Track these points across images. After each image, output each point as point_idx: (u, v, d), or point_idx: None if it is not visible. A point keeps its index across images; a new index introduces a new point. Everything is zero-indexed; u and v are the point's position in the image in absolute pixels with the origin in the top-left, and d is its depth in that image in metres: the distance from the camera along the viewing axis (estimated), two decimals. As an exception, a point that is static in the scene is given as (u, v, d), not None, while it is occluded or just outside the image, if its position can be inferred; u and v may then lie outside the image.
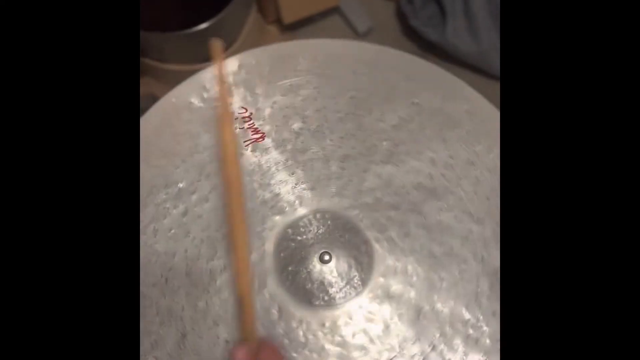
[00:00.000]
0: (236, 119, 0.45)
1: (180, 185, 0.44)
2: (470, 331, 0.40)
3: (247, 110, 0.46)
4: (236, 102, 0.46)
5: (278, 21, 0.95)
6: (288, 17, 0.92)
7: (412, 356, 0.40)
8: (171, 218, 0.43)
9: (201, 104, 0.46)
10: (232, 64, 0.47)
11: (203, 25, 0.67)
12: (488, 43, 0.82)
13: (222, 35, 0.45)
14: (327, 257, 0.42)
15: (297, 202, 0.44)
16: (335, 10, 1.01)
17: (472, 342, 0.40)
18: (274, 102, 0.46)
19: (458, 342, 0.40)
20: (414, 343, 0.40)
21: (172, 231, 0.43)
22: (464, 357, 0.40)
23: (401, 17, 0.99)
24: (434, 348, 0.40)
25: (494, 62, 0.81)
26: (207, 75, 0.47)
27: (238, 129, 0.45)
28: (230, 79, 0.46)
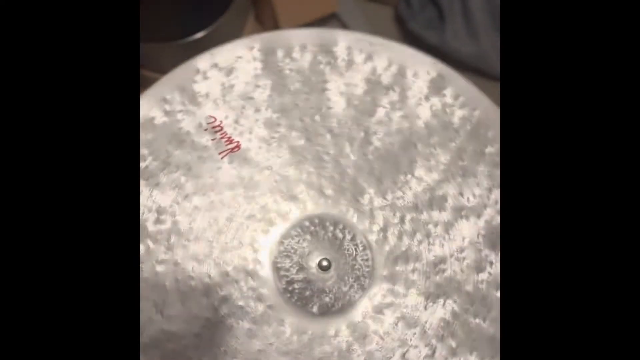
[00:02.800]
0: (205, 130, 0.42)
1: (159, 209, 0.41)
2: (487, 275, 0.41)
3: (216, 119, 0.42)
4: (204, 111, 0.42)
5: (275, 29, 0.91)
6: (285, 25, 0.89)
7: (439, 318, 0.40)
8: (157, 246, 0.40)
9: (164, 119, 0.42)
10: (191, 69, 0.43)
11: (200, 34, 0.64)
12: (488, 44, 0.81)
13: (219, 44, 0.42)
14: (325, 264, 0.41)
15: (286, 210, 0.42)
16: (333, 16, 0.97)
17: (493, 285, 0.40)
18: (243, 107, 0.43)
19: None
20: (432, 306, 0.40)
21: (160, 258, 0.40)
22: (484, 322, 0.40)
23: (399, 21, 0.95)
24: (457, 316, 0.40)
25: (495, 63, 0.80)
26: (166, 85, 0.43)
27: (210, 141, 0.42)
28: (193, 85, 0.43)
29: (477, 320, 0.40)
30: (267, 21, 0.89)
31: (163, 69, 0.42)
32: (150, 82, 0.42)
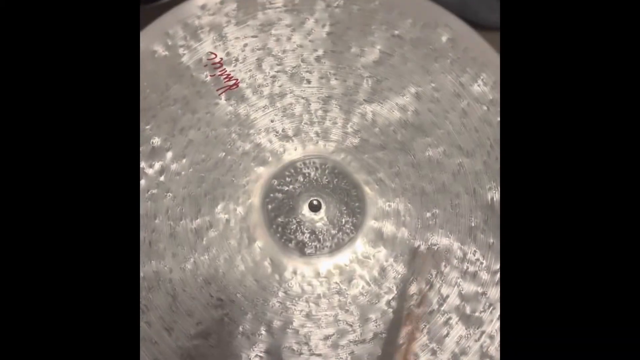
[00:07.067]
0: (205, 65, 0.42)
1: (154, 142, 0.41)
2: (467, 266, 0.40)
3: (216, 55, 0.42)
4: (204, 47, 0.42)
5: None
6: None
7: (411, 295, 0.40)
8: (148, 178, 0.40)
9: (165, 52, 0.42)
10: (194, 5, 0.43)
11: None
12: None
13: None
14: (316, 204, 0.41)
15: (280, 150, 0.41)
16: None
17: (469, 277, 0.40)
18: (245, 45, 0.42)
19: (455, 276, 0.40)
20: (411, 283, 0.40)
21: (150, 192, 0.40)
22: (461, 291, 0.40)
23: None
24: (431, 287, 0.40)
25: (478, 10, 0.77)
26: (168, 20, 0.43)
27: (209, 77, 0.42)
28: (195, 21, 0.42)
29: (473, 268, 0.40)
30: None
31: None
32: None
